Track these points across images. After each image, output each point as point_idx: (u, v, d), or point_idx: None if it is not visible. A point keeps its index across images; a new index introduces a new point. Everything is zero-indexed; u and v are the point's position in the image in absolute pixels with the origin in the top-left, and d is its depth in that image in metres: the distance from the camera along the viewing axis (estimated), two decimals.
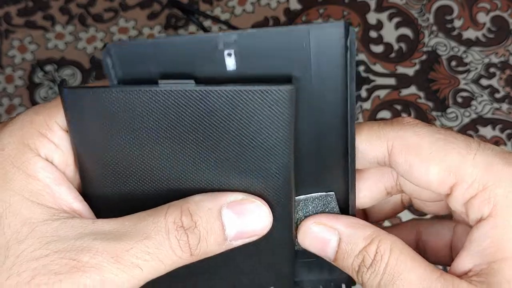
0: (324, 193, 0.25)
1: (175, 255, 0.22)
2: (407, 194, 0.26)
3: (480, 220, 0.21)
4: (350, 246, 0.23)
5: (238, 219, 0.23)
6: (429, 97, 0.60)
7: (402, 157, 0.23)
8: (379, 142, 0.23)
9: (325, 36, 0.21)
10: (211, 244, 0.22)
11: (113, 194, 0.24)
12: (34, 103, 0.61)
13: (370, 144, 0.23)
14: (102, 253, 0.21)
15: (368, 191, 0.26)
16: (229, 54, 0.22)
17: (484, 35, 0.62)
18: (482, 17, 0.62)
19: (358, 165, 0.24)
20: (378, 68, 0.61)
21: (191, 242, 0.22)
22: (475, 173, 0.21)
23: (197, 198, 0.23)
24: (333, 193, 0.25)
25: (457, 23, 0.62)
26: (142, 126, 0.22)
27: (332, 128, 0.23)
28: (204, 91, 0.22)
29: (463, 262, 0.22)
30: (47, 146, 0.22)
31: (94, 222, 0.22)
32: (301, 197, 0.25)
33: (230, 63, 0.22)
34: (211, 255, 0.23)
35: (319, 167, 0.24)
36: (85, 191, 0.24)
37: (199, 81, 0.22)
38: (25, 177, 0.22)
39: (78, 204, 0.23)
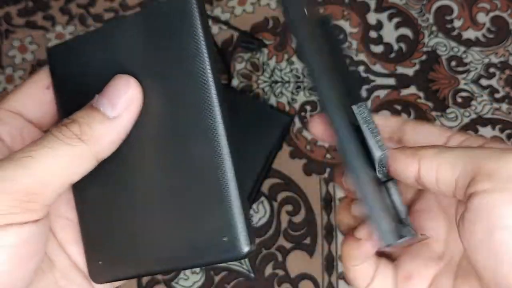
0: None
1: (60, 140, 0.24)
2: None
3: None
4: None
5: (106, 96, 0.26)
6: (429, 97, 0.60)
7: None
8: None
9: None
10: (93, 124, 0.25)
11: None
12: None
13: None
14: None
15: None
16: None
17: (484, 35, 0.62)
18: (482, 17, 0.62)
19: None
20: (378, 68, 0.61)
21: (71, 128, 0.24)
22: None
23: None
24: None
25: (457, 23, 0.62)
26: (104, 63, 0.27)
27: None
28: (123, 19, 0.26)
29: None
30: None
31: None
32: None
33: None
34: (108, 137, 0.25)
35: None
36: None
37: None
38: None
39: None
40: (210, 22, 0.63)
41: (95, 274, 0.27)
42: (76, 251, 0.28)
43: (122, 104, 0.25)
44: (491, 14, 0.62)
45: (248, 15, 0.64)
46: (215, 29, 0.63)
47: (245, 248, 0.24)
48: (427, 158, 0.25)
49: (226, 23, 0.60)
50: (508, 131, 0.58)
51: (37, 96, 0.28)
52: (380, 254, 0.29)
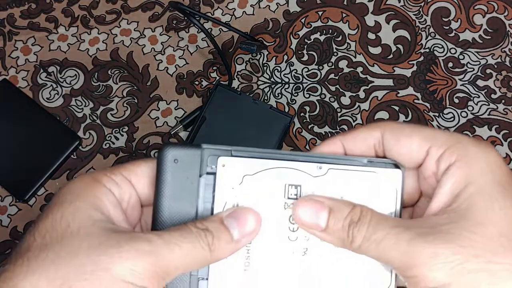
0: None
1: (199, 243, 0.29)
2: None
3: (448, 167, 0.30)
4: (339, 212, 0.30)
5: (236, 220, 0.31)
6: (426, 98, 0.60)
7: (391, 135, 0.32)
8: (376, 129, 0.32)
9: None
10: (222, 241, 0.30)
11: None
12: (37, 103, 0.62)
13: (369, 131, 0.32)
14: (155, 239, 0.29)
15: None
16: None
17: (481, 36, 0.62)
18: (479, 19, 0.63)
19: (358, 149, 0.33)
20: (376, 69, 0.62)
21: (207, 237, 0.30)
22: (443, 138, 0.30)
23: None
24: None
25: (454, 25, 0.63)
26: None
27: None
28: None
29: (432, 205, 0.30)
30: (110, 182, 0.31)
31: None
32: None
33: None
34: (226, 255, 0.31)
35: None
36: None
37: None
38: (93, 197, 0.30)
39: (125, 224, 0.31)
40: (210, 24, 0.64)
41: None
42: None
43: (247, 232, 0.31)
44: (488, 16, 0.63)
45: (249, 17, 0.64)
46: (215, 31, 0.64)
47: None
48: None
49: (226, 25, 0.61)
50: (504, 131, 0.59)
51: (152, 174, 0.32)
52: None
